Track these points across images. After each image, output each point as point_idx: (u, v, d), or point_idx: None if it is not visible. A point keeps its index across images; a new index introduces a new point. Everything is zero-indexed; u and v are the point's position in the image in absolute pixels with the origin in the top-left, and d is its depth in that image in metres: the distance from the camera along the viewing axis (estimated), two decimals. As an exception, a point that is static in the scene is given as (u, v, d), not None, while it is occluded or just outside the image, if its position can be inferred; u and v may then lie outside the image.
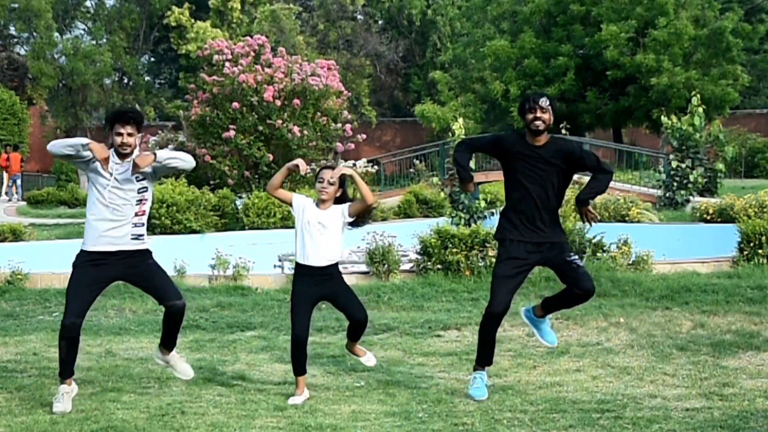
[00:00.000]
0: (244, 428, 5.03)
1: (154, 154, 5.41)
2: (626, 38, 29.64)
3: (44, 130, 39.98)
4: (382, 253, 10.35)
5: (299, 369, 5.82)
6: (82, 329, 8.05)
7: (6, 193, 30.00)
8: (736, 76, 30.66)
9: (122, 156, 5.42)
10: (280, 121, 17.69)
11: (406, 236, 11.92)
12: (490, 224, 12.78)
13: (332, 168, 5.90)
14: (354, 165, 23.27)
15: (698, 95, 20.08)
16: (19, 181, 30.81)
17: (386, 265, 10.33)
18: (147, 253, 5.60)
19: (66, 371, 5.55)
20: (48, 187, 28.81)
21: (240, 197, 16.53)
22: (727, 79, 30.20)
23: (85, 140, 5.40)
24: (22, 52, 41.69)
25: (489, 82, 32.40)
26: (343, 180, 5.85)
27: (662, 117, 20.82)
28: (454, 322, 8.27)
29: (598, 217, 5.65)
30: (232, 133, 17.51)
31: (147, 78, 46.49)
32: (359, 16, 45.13)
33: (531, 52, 31.37)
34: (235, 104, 17.78)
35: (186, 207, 14.71)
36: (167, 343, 5.80)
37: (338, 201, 5.85)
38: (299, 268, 5.81)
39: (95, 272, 5.45)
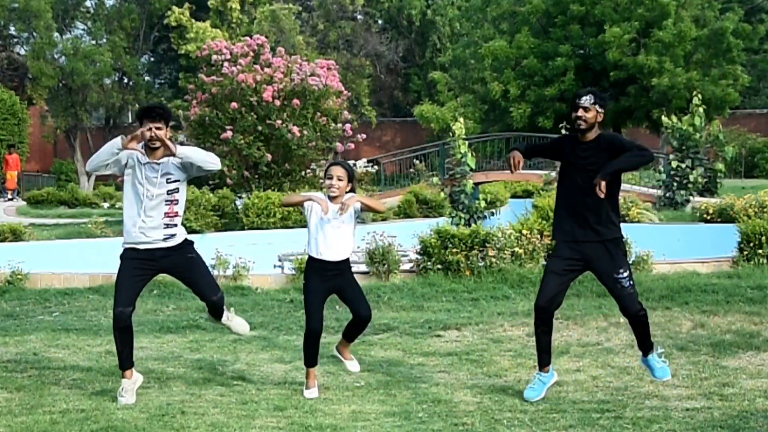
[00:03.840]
0: (244, 428, 5.03)
1: (176, 146, 5.73)
2: (629, 39, 29.62)
3: (44, 130, 39.99)
4: (382, 253, 10.34)
5: (311, 360, 5.89)
6: (83, 329, 8.16)
7: (4, 192, 30.10)
8: (737, 77, 30.64)
9: (151, 150, 5.70)
10: (279, 121, 17.66)
11: (406, 236, 11.90)
12: (490, 224, 12.78)
13: (338, 164, 5.93)
14: (354, 165, 23.21)
15: (699, 95, 20.08)
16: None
17: (386, 265, 10.32)
18: (186, 246, 5.87)
19: (124, 363, 5.75)
20: (48, 187, 28.81)
21: (240, 197, 16.51)
22: (728, 80, 30.18)
23: (118, 141, 5.65)
24: (22, 52, 41.65)
25: (489, 82, 32.38)
26: (351, 174, 5.87)
27: (662, 117, 20.83)
28: (454, 322, 8.27)
29: (603, 194, 5.47)
30: (229, 134, 17.49)
31: (147, 78, 46.49)
32: (359, 16, 45.17)
33: (530, 52, 31.35)
34: (234, 104, 17.76)
35: (185, 207, 14.68)
36: (214, 315, 6.13)
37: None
38: (312, 261, 5.88)
39: (140, 264, 5.71)
